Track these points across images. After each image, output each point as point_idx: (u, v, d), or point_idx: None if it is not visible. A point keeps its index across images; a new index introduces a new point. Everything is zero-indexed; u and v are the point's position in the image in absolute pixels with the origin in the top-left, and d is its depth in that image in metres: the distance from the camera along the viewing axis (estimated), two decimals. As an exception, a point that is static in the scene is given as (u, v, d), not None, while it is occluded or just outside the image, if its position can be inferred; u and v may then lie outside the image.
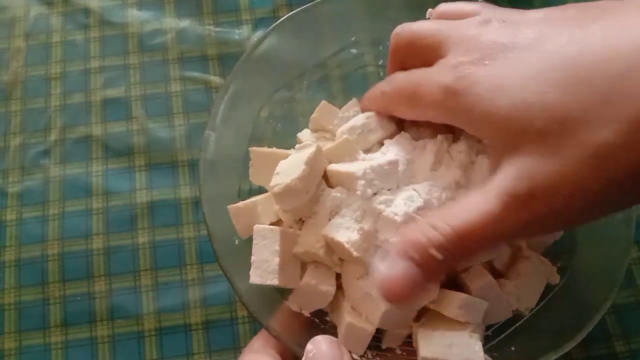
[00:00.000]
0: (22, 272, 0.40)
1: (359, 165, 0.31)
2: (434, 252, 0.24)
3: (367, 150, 0.33)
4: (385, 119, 0.34)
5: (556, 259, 0.34)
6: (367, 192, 0.30)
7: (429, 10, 0.33)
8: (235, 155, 0.36)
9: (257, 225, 0.31)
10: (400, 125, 0.34)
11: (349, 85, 0.41)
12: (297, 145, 0.33)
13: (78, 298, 0.39)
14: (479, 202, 0.24)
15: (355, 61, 0.41)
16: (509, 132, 0.25)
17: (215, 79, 0.45)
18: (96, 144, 0.43)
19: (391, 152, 0.32)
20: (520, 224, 0.24)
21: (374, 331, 0.31)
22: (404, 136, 0.33)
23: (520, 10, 0.28)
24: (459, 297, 0.30)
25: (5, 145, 0.43)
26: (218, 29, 0.47)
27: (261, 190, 0.34)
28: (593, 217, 0.25)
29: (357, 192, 0.30)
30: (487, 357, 0.29)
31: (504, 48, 0.26)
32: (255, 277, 0.30)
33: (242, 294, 0.31)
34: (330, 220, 0.31)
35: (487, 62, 0.26)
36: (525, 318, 0.33)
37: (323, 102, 0.37)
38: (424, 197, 0.30)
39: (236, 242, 0.33)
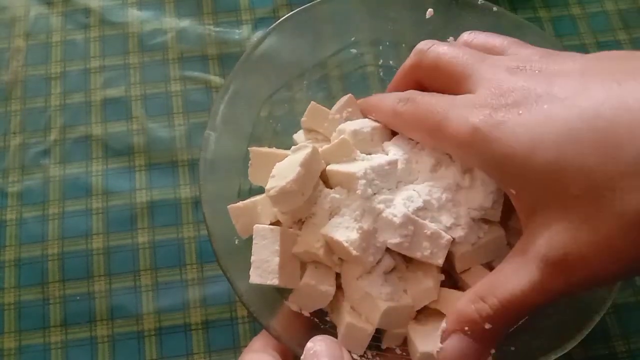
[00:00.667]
0: (22, 271, 0.40)
1: (359, 166, 0.31)
2: (487, 326, 0.25)
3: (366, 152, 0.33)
4: (390, 131, 0.34)
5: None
6: (368, 192, 0.30)
7: (451, 41, 0.31)
8: (235, 155, 0.36)
9: (257, 225, 0.31)
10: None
11: (348, 85, 0.40)
12: (293, 147, 0.33)
13: (78, 298, 0.39)
14: (520, 270, 0.24)
15: (355, 61, 0.40)
16: (539, 189, 0.24)
17: (215, 79, 0.45)
18: (96, 144, 0.43)
19: (391, 152, 0.32)
20: (560, 289, 0.24)
21: (374, 331, 0.31)
22: (403, 136, 0.33)
23: (551, 52, 0.27)
24: (459, 296, 0.30)
25: (5, 145, 0.43)
26: (218, 29, 0.47)
27: (261, 190, 0.34)
28: (633, 274, 0.25)
29: (357, 192, 0.30)
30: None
31: (538, 99, 0.24)
32: (255, 277, 0.30)
33: (242, 293, 0.31)
34: (329, 220, 0.31)
35: (521, 112, 0.25)
36: (525, 318, 0.33)
37: (312, 103, 0.36)
38: (424, 198, 0.30)
39: (236, 242, 0.33)
